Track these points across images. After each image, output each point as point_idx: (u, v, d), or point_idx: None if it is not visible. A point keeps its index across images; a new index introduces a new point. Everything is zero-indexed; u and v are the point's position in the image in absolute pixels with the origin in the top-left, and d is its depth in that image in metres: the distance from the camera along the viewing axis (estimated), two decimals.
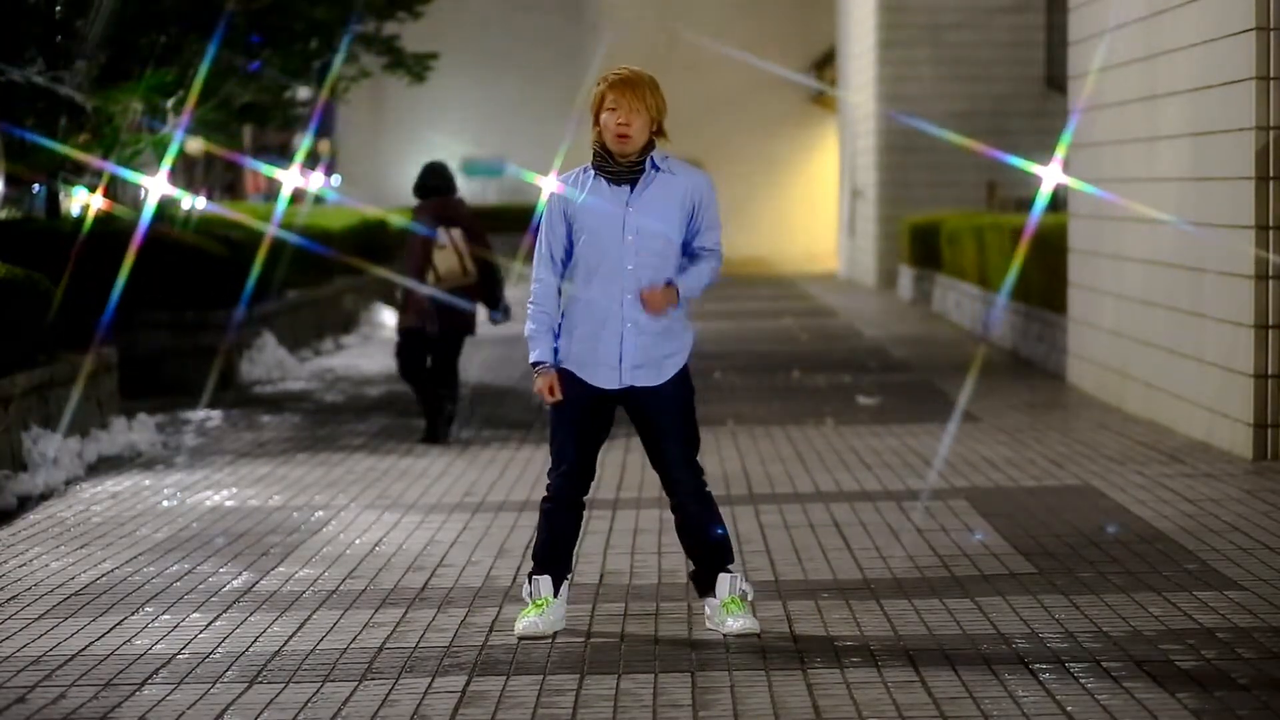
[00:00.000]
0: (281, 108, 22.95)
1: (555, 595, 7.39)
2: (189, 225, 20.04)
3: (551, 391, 7.30)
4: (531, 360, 7.38)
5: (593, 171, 7.35)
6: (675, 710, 6.24)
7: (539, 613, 7.35)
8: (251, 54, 20.40)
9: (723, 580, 7.36)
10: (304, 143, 26.01)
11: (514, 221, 45.23)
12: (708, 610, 7.41)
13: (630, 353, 7.29)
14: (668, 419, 7.35)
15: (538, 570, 7.42)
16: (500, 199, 47.25)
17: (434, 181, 13.37)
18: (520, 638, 7.29)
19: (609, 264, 7.26)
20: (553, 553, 7.42)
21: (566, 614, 7.49)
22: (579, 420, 7.36)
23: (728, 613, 7.31)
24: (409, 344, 13.48)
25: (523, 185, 45.55)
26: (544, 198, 7.47)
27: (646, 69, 7.57)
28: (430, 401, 13.43)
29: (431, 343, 13.42)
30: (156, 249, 16.92)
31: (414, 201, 13.59)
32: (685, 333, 7.43)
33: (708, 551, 7.41)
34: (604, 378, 7.31)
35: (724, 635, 7.26)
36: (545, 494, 7.46)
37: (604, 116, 7.29)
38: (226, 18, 19.31)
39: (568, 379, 7.36)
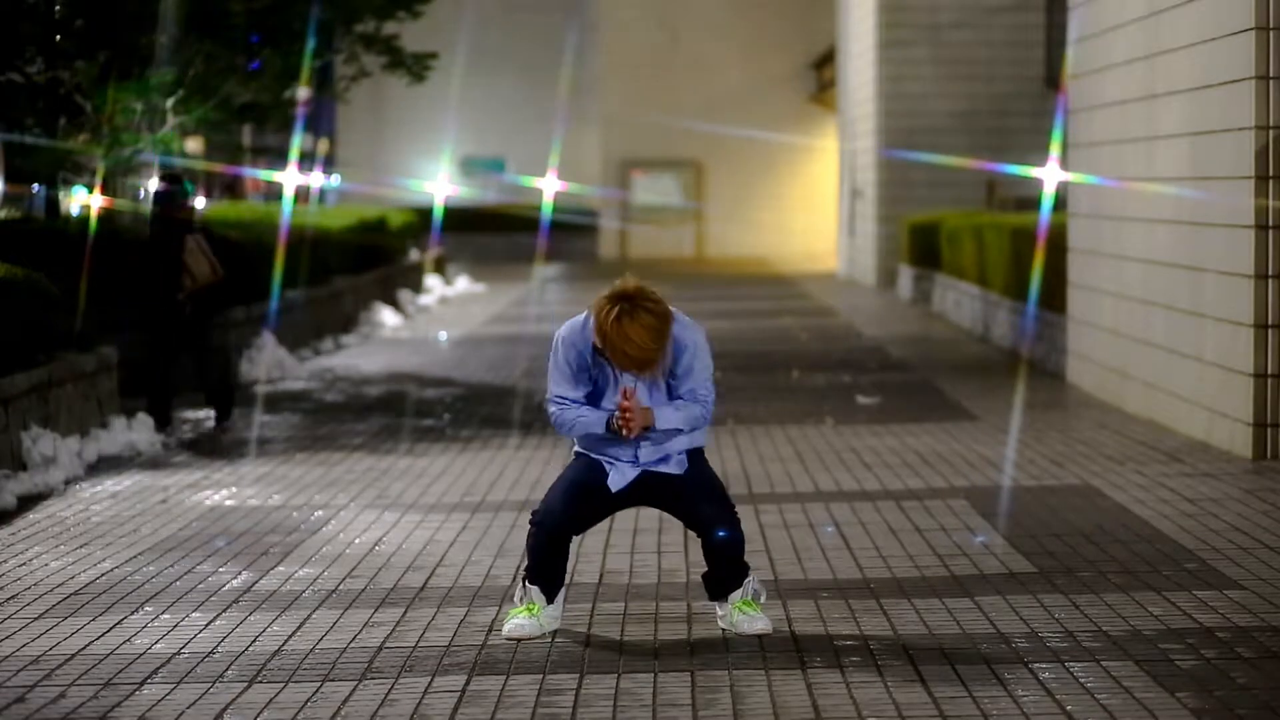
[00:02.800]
0: (281, 107, 22.93)
1: (549, 603, 7.38)
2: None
3: (629, 418, 7.10)
4: (600, 429, 7.18)
5: (593, 350, 7.17)
6: (675, 710, 6.24)
7: (529, 615, 7.33)
8: (251, 54, 20.38)
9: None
10: (294, 140, 25.91)
11: (516, 221, 45.29)
12: (719, 611, 7.41)
13: (645, 453, 7.28)
14: (694, 489, 7.31)
15: (532, 581, 7.40)
16: (500, 199, 47.27)
17: (172, 191, 14.40)
18: (506, 638, 7.27)
19: (607, 402, 7.22)
20: (546, 573, 7.39)
21: (563, 615, 7.48)
22: (583, 502, 7.32)
23: (741, 613, 7.31)
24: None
25: (521, 186, 45.56)
26: (556, 338, 7.31)
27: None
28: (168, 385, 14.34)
29: (185, 329, 14.36)
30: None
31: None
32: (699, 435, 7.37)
33: (731, 567, 7.41)
34: (620, 475, 7.27)
35: (738, 635, 7.25)
36: (532, 520, 7.38)
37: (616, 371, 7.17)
38: (226, 17, 19.31)
39: (588, 466, 7.32)
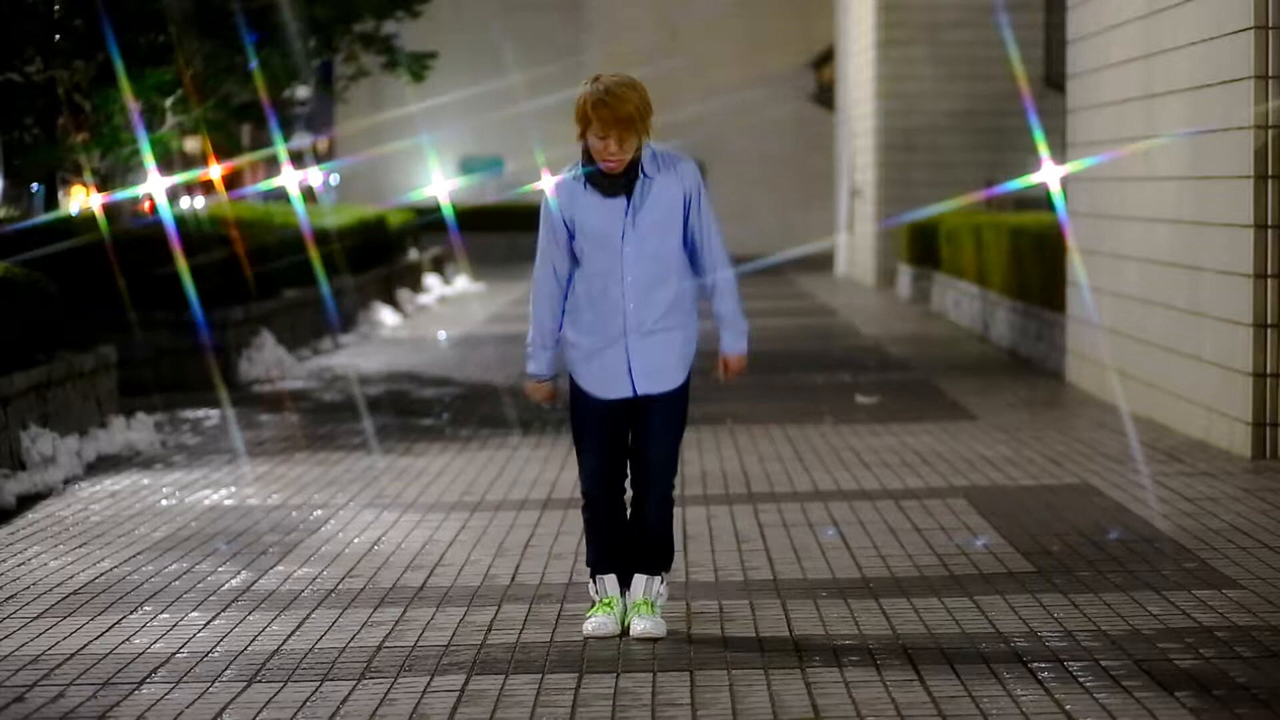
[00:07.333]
0: (280, 107, 22.95)
1: (621, 592, 7.34)
2: (200, 224, 20.06)
3: (550, 397, 7.38)
4: (529, 372, 7.40)
5: (584, 180, 7.16)
6: (674, 709, 6.24)
7: (608, 612, 7.28)
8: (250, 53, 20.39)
9: (640, 580, 7.31)
10: (277, 140, 25.92)
11: (518, 221, 45.27)
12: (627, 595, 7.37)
13: (638, 363, 7.20)
14: (662, 420, 7.26)
15: (601, 570, 7.33)
16: (499, 199, 47.25)
17: None
18: (589, 637, 7.21)
19: (608, 276, 7.16)
20: (608, 553, 7.34)
21: (563, 614, 7.48)
22: (599, 424, 7.27)
23: (637, 613, 7.24)
24: None
25: (520, 184, 45.54)
26: (544, 200, 7.33)
27: (645, 68, 7.50)
28: None
29: None
30: (154, 247, 16.93)
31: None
32: (691, 336, 7.32)
33: (650, 553, 7.33)
34: (617, 389, 7.23)
35: (632, 636, 7.20)
36: (582, 501, 7.36)
37: (591, 140, 7.06)
38: (225, 16, 19.31)
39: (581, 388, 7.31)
